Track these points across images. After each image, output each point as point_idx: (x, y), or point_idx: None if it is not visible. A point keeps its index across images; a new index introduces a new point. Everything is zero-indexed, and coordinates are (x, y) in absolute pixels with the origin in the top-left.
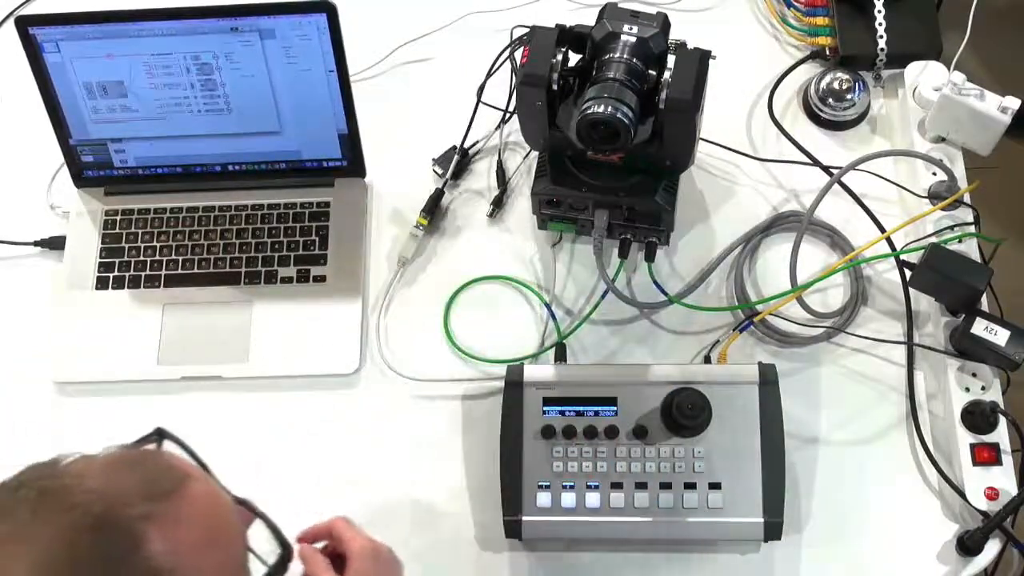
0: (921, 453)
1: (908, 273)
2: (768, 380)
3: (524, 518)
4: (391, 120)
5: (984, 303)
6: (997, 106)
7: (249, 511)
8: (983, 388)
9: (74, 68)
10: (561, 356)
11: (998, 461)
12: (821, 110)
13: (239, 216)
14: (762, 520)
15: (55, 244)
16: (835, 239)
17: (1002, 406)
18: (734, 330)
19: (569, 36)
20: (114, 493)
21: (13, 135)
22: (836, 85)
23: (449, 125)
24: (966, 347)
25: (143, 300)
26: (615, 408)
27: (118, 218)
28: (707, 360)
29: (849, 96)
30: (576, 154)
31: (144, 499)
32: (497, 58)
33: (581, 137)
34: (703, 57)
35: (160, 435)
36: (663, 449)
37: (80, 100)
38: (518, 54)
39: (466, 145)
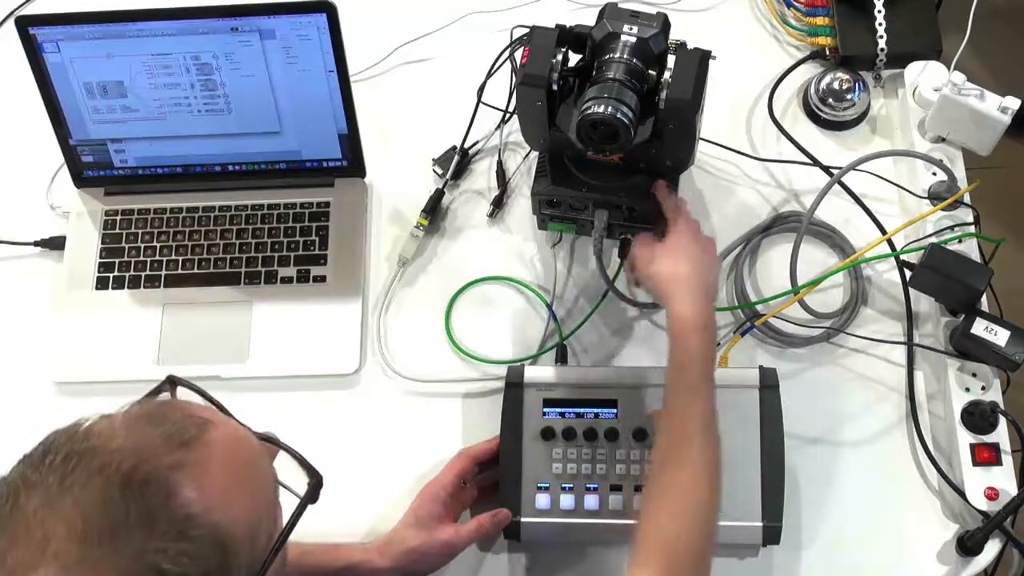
0: (921, 453)
1: (908, 273)
2: (768, 384)
3: (523, 519)
4: (391, 120)
5: (984, 303)
6: (997, 106)
7: (273, 445)
8: (983, 388)
9: (74, 68)
10: (562, 357)
11: (998, 461)
12: (821, 110)
13: (239, 216)
14: (761, 524)
15: (55, 244)
16: (835, 239)
17: (1002, 406)
18: (735, 333)
19: (569, 36)
20: (139, 448)
21: (13, 135)
22: (836, 85)
23: (449, 125)
24: (966, 347)
25: (143, 300)
26: (615, 410)
27: (118, 218)
28: None
29: (849, 96)
30: (576, 154)
31: (169, 450)
32: (497, 58)
33: (581, 137)
34: (703, 57)
35: (172, 383)
36: None
37: (80, 100)
38: (518, 54)
39: (466, 145)
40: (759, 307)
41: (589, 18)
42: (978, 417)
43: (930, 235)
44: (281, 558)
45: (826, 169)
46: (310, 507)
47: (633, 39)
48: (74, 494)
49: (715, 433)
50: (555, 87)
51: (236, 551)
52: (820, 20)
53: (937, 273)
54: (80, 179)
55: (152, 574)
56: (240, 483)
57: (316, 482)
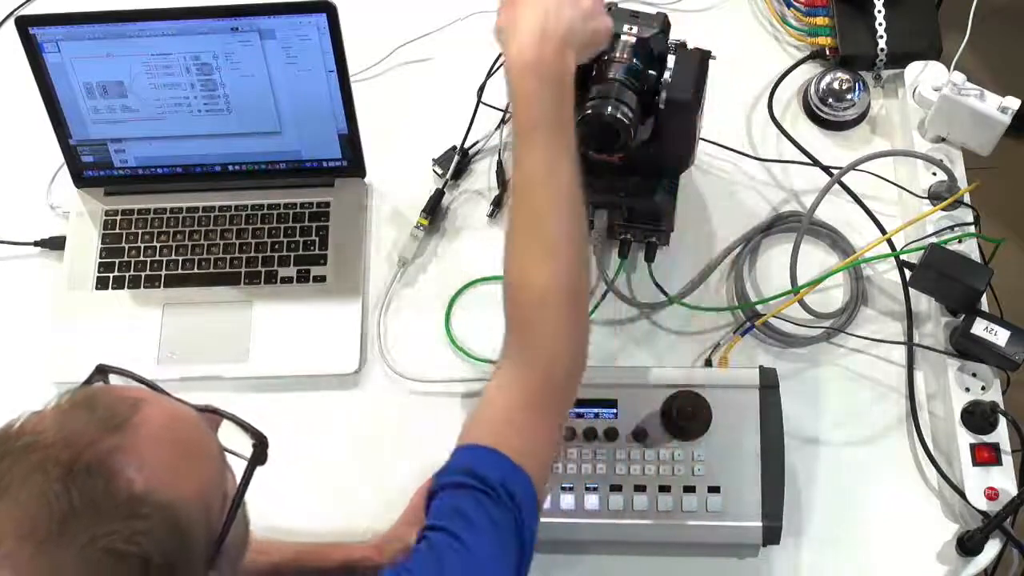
0: (921, 453)
1: (908, 273)
2: (768, 384)
3: None
4: (391, 120)
5: (984, 303)
6: (997, 106)
7: (214, 414)
8: (983, 388)
9: (74, 68)
10: None
11: (998, 461)
12: (821, 110)
13: (239, 216)
14: (760, 524)
15: (55, 244)
16: (835, 239)
17: (1002, 406)
18: (735, 333)
19: None
20: (74, 437)
21: (13, 135)
22: (836, 85)
23: (449, 125)
24: (966, 347)
25: (143, 300)
26: (615, 410)
27: (118, 218)
28: (708, 363)
29: (849, 96)
30: None
31: (104, 434)
32: (497, 58)
33: (581, 137)
34: (703, 57)
35: (102, 371)
36: (663, 452)
37: (80, 100)
38: None
39: (466, 145)
40: (759, 307)
41: None
42: (978, 417)
43: (930, 235)
44: (241, 523)
45: (826, 169)
46: (308, 506)
47: (633, 39)
48: (13, 494)
49: (558, 186)
50: None
51: (190, 524)
52: (820, 20)
53: (937, 273)
54: (80, 179)
55: (110, 558)
56: (181, 457)
57: (260, 443)
